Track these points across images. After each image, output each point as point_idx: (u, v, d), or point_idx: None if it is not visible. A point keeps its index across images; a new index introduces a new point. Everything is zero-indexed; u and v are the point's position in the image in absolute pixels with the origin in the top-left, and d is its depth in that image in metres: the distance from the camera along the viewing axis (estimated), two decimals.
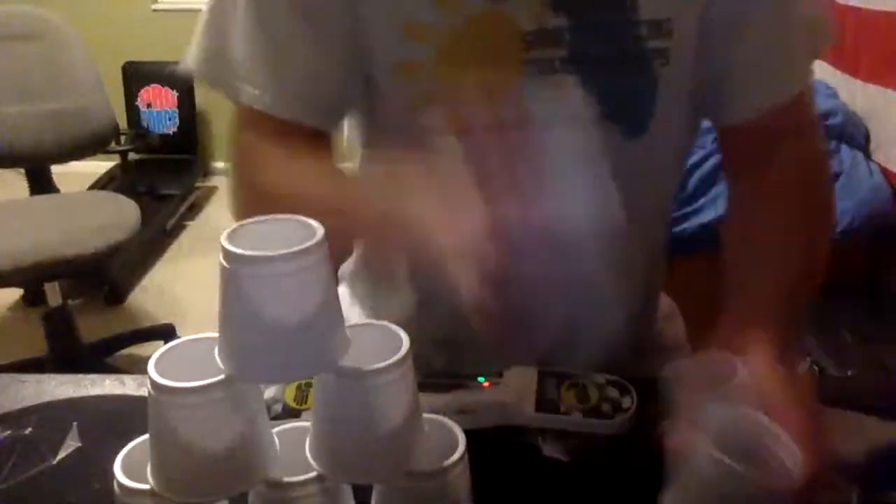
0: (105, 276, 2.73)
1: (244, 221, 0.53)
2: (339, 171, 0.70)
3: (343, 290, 0.90)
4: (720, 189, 1.78)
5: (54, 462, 0.74)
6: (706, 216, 1.77)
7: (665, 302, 0.96)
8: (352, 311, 0.88)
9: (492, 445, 0.63)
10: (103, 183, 3.45)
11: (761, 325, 0.63)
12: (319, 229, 0.52)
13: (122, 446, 0.75)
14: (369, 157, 0.82)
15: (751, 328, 0.63)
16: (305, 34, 0.68)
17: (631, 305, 0.79)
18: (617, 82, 0.68)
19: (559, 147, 0.55)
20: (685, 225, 1.77)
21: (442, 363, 0.80)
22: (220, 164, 4.14)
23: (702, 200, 1.78)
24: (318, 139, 0.73)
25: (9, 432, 0.78)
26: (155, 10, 3.89)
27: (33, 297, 2.66)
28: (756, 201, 0.76)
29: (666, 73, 0.69)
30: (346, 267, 0.90)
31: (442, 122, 0.63)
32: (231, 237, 0.52)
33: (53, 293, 2.11)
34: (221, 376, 0.57)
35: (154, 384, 0.56)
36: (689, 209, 1.78)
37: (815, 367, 1.52)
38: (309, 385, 0.79)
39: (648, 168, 0.73)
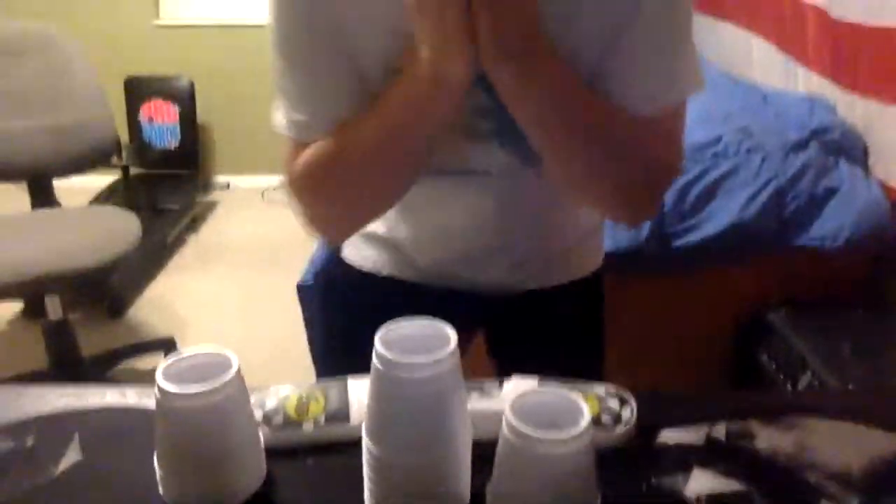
0: (106, 289, 2.73)
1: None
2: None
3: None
4: (718, 204, 1.79)
5: (55, 474, 0.74)
6: (704, 232, 1.77)
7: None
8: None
9: (491, 456, 0.63)
10: (104, 197, 3.45)
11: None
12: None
13: (124, 458, 0.76)
14: None
15: None
16: (321, 69, 0.79)
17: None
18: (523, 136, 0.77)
19: None
20: (682, 241, 1.78)
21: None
22: (220, 179, 4.16)
23: (699, 216, 1.79)
24: None
25: (10, 444, 0.78)
26: (157, 25, 3.91)
27: (34, 310, 2.66)
28: None
29: None
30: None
31: None
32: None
33: (54, 306, 2.11)
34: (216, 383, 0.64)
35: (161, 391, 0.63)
36: (686, 224, 1.78)
37: (816, 381, 1.52)
38: (310, 396, 0.80)
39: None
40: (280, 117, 0.82)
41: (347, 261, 1.05)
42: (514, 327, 1.07)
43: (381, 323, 0.66)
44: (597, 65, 0.76)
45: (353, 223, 0.89)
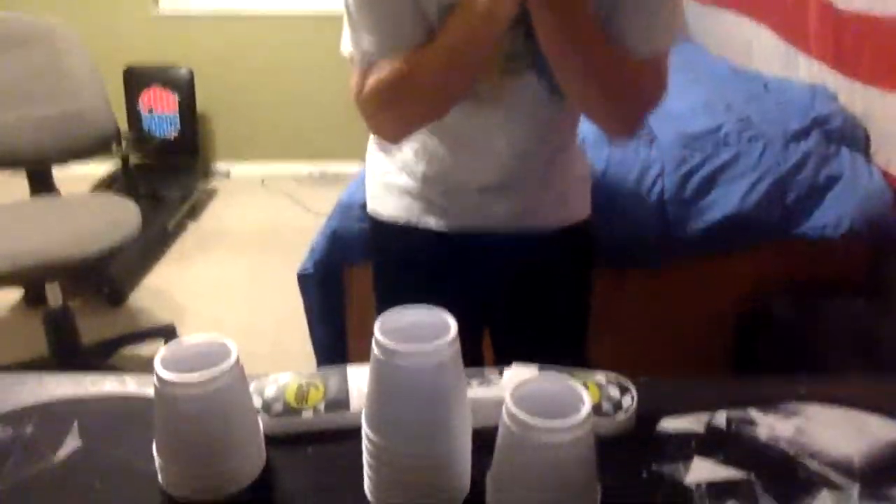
0: (106, 277, 2.72)
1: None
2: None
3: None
4: (719, 193, 1.78)
5: (55, 461, 0.74)
6: (705, 221, 1.76)
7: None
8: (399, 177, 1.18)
9: (491, 443, 0.63)
10: (104, 185, 3.44)
11: None
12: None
13: (123, 446, 0.76)
14: None
15: None
16: (388, 8, 0.95)
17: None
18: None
19: None
20: (683, 230, 1.77)
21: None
22: (220, 167, 4.15)
23: (700, 205, 1.78)
24: None
25: (10, 431, 0.78)
26: (156, 15, 3.89)
27: (34, 298, 2.66)
28: None
29: None
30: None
31: None
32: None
33: (54, 294, 2.11)
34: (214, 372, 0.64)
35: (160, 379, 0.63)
36: (687, 213, 1.78)
37: (817, 371, 1.51)
38: (310, 384, 0.80)
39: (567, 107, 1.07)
40: (349, 45, 1.01)
41: (373, 214, 1.23)
42: (516, 280, 1.20)
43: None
44: (605, 14, 0.94)
45: (412, 129, 1.06)
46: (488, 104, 1.04)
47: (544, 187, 1.16)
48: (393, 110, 1.00)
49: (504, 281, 1.20)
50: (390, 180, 1.18)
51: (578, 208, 1.23)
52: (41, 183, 2.42)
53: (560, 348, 1.16)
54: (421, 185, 1.15)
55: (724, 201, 1.77)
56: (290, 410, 0.77)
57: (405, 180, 1.16)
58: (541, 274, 1.20)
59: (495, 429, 0.62)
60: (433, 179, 1.14)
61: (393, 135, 1.08)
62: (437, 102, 0.99)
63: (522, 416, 0.58)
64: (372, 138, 1.24)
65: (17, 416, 0.80)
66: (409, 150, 1.14)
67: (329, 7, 3.73)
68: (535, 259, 1.18)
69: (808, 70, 2.26)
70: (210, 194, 3.88)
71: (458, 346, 0.64)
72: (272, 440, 0.74)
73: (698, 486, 0.69)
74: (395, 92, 0.97)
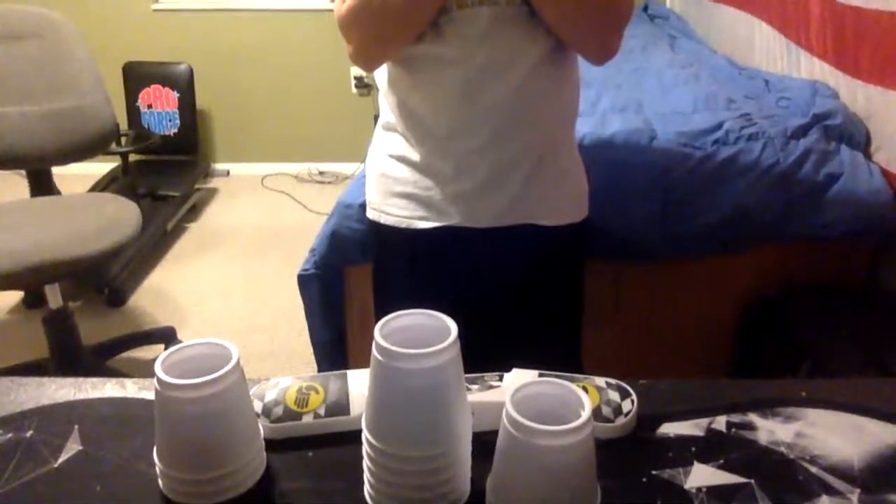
0: (106, 277, 2.72)
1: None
2: None
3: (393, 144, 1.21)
4: (719, 191, 1.78)
5: (56, 465, 0.74)
6: (705, 219, 1.76)
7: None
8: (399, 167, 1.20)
9: (491, 447, 0.63)
10: (104, 184, 3.44)
11: None
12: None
13: (123, 448, 0.76)
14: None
15: None
16: None
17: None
18: None
19: None
20: (683, 228, 1.77)
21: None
22: (220, 166, 4.15)
23: (700, 203, 1.78)
24: None
25: (10, 435, 0.78)
26: (155, 10, 3.89)
27: (34, 300, 2.66)
28: None
29: None
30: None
31: None
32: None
33: (54, 295, 2.11)
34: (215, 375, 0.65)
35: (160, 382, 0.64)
36: (687, 211, 1.78)
37: (817, 369, 1.52)
38: (310, 388, 0.80)
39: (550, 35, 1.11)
40: None
41: (374, 220, 1.24)
42: (510, 279, 1.22)
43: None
44: None
45: (381, 52, 1.12)
46: (453, 39, 1.07)
47: (537, 182, 1.17)
48: (359, 31, 1.07)
49: (499, 279, 1.21)
50: (390, 173, 1.20)
51: (574, 208, 1.23)
52: (41, 183, 2.42)
53: (554, 347, 1.17)
54: (419, 175, 1.16)
55: (724, 200, 1.77)
56: (291, 415, 0.77)
57: (404, 172, 1.18)
58: (534, 272, 1.21)
59: (495, 433, 0.62)
60: (428, 158, 1.15)
61: (363, 58, 1.12)
62: (395, 24, 1.05)
63: (522, 420, 0.58)
64: (374, 137, 1.25)
65: (18, 420, 0.80)
66: (399, 116, 1.16)
67: (329, 3, 3.72)
68: (531, 257, 1.19)
69: (809, 67, 2.26)
70: (210, 194, 3.88)
71: (458, 349, 0.64)
72: (272, 444, 0.74)
73: (698, 490, 0.69)
74: (357, 13, 1.04)
